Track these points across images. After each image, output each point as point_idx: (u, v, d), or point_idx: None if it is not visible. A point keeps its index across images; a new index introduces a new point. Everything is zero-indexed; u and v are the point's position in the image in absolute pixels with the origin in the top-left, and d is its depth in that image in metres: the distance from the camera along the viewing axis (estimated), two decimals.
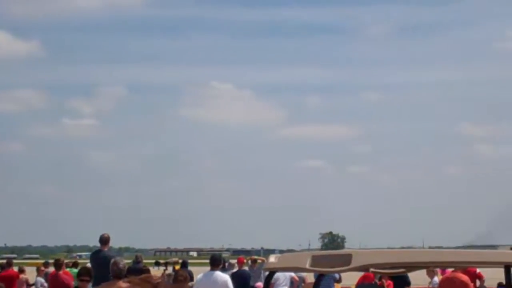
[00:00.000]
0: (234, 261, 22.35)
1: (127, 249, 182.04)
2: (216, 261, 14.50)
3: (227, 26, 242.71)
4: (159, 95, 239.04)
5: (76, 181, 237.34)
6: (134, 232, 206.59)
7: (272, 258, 8.07)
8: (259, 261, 24.67)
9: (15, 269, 22.70)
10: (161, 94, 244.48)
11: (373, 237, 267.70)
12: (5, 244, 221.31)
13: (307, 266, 7.70)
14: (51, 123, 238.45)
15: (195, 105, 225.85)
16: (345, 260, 7.46)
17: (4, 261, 23.44)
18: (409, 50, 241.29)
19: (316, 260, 7.66)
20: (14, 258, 60.91)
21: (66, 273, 18.94)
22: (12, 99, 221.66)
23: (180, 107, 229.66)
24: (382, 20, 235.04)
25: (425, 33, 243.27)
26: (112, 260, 10.97)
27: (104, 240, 16.82)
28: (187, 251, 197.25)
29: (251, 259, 24.33)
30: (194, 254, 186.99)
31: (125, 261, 11.20)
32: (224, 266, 20.73)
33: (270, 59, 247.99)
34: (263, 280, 23.18)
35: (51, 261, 29.67)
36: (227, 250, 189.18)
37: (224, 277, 14.30)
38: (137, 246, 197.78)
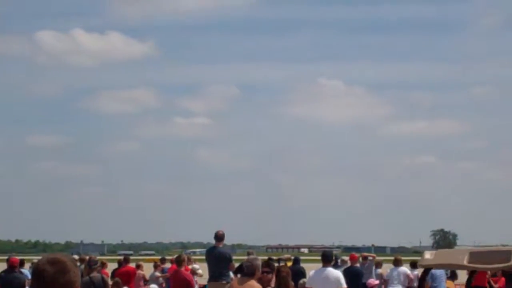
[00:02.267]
0: (346, 257, 22.45)
1: (239, 246, 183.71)
2: (328, 258, 14.53)
3: (334, 23, 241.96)
4: (268, 93, 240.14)
5: (189, 179, 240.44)
6: (246, 229, 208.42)
7: (427, 255, 7.88)
8: (370, 258, 24.73)
9: (133, 265, 23.17)
10: (270, 92, 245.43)
11: (486, 235, 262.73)
12: (121, 241, 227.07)
13: (465, 262, 7.55)
14: (164, 122, 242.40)
15: (304, 103, 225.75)
16: (505, 257, 7.31)
17: (122, 257, 24.06)
18: None
19: (474, 257, 7.48)
20: (131, 255, 62.35)
21: (187, 269, 19.44)
22: (128, 99, 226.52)
23: (289, 105, 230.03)
24: (490, 12, 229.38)
25: None
26: (247, 258, 11.10)
27: (219, 237, 17.24)
28: (298, 247, 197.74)
29: (362, 256, 24.42)
30: (305, 250, 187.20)
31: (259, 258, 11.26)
32: (336, 262, 20.89)
33: (378, 55, 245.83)
34: (374, 277, 23.27)
35: (168, 257, 30.50)
36: (338, 247, 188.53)
37: (336, 273, 14.29)
38: (250, 242, 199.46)
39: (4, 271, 18.32)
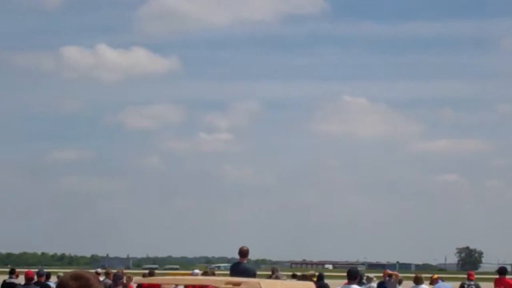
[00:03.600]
0: (371, 275, 22.41)
1: (263, 261, 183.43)
2: (353, 275, 14.56)
3: (360, 41, 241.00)
4: (292, 110, 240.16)
5: (214, 194, 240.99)
6: (270, 244, 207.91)
7: None
8: (393, 276, 24.59)
9: None
10: (294, 109, 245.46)
11: None
12: (147, 255, 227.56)
13: None
14: (188, 137, 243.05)
15: (328, 120, 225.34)
16: None
17: (147, 271, 24.17)
18: None
19: None
20: (156, 269, 62.48)
21: None
22: (152, 114, 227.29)
23: (313, 122, 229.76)
24: None
25: None
26: (274, 275, 11.16)
27: (243, 253, 17.27)
28: (322, 264, 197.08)
29: (385, 273, 24.35)
30: (330, 267, 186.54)
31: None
32: (360, 279, 20.86)
33: (403, 73, 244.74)
34: None
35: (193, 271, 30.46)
36: (363, 263, 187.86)
37: None
38: (274, 258, 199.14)
39: (22, 285, 18.57)
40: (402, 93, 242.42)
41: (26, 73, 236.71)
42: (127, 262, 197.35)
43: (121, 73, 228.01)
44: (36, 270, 21.38)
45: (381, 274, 25.09)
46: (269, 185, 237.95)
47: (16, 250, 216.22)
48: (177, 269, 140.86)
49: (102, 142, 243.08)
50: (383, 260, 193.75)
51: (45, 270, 21.74)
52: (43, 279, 20.18)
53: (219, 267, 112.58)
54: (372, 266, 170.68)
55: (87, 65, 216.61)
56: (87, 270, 4.21)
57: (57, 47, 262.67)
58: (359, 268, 16.30)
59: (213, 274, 22.43)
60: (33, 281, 18.76)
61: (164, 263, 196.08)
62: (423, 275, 23.43)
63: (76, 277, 3.97)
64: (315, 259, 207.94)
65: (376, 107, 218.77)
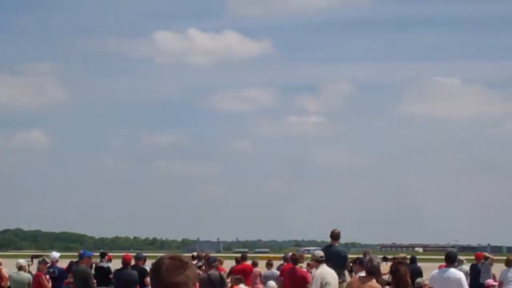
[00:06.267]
0: (462, 257, 22.24)
1: (353, 245, 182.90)
2: (451, 259, 14.55)
3: (453, 21, 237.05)
4: (384, 92, 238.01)
5: (304, 177, 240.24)
6: (360, 227, 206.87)
7: None
8: (489, 259, 24.27)
9: (249, 262, 23.49)
10: (386, 91, 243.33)
11: None
12: (236, 239, 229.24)
13: None
14: (279, 120, 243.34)
15: (420, 101, 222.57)
16: None
17: (238, 255, 24.44)
18: None
19: None
20: (246, 252, 62.99)
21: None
22: (244, 98, 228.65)
23: (404, 104, 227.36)
24: None
25: None
26: (368, 257, 11.12)
27: (335, 235, 17.42)
28: (412, 246, 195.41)
29: (482, 256, 24.18)
30: (420, 250, 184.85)
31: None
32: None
33: (497, 53, 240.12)
34: (491, 277, 22.91)
35: (281, 255, 30.75)
36: (453, 246, 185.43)
37: (458, 274, 14.20)
38: (363, 241, 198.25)
39: (118, 269, 19.07)
40: (498, 73, 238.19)
41: (120, 58, 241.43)
42: (217, 246, 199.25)
43: (213, 57, 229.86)
44: (134, 254, 21.88)
45: (472, 257, 24.82)
46: (360, 168, 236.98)
47: (109, 235, 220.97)
48: (266, 252, 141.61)
49: (196, 126, 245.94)
50: (474, 243, 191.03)
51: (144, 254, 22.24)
52: (141, 262, 20.67)
53: (308, 250, 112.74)
54: (463, 249, 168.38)
55: (179, 50, 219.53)
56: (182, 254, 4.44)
57: (149, 33, 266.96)
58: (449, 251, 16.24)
59: (302, 258, 22.60)
60: (131, 265, 19.24)
61: (254, 246, 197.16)
62: None
63: (173, 257, 4.19)
64: (405, 242, 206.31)
65: (468, 88, 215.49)
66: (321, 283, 14.79)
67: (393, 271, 11.39)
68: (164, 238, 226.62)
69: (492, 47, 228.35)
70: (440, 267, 15.95)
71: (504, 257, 23.55)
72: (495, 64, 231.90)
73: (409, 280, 11.80)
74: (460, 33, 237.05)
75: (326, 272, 15.06)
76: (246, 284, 20.64)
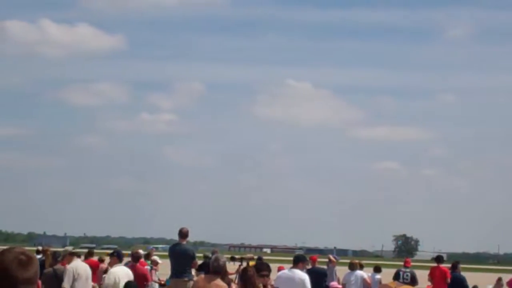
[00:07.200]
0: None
1: (202, 243, 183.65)
2: (298, 260, 14.86)
3: (303, 27, 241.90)
4: (235, 92, 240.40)
5: (154, 175, 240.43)
6: (209, 227, 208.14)
7: None
8: (333, 260, 24.80)
9: (95, 258, 23.27)
10: (237, 92, 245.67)
11: (448, 242, 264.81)
12: (84, 234, 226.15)
13: None
14: (131, 117, 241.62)
15: (271, 104, 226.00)
16: None
17: (86, 250, 24.13)
18: (486, 53, 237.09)
19: None
20: (93, 248, 62.18)
21: (142, 264, 19.73)
22: (94, 92, 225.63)
23: (256, 105, 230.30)
24: (459, 23, 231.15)
25: (503, 37, 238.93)
26: (213, 256, 11.14)
27: (183, 234, 17.37)
28: (260, 247, 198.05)
29: (328, 258, 24.71)
30: (268, 250, 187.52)
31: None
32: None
33: (346, 59, 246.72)
34: (335, 279, 23.43)
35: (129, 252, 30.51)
36: (300, 248, 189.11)
37: (302, 275, 14.42)
38: (212, 240, 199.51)
39: None
40: (345, 79, 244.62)
41: None
42: (64, 241, 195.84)
43: (65, 49, 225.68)
44: None
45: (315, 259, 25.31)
46: (210, 167, 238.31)
47: None
48: (115, 249, 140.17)
49: (43, 119, 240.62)
50: (321, 245, 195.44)
51: None
52: None
53: (157, 248, 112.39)
54: (310, 251, 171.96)
55: (30, 40, 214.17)
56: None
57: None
58: (296, 253, 16.50)
59: (149, 255, 22.48)
60: None
61: (102, 242, 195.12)
62: (360, 261, 23.81)
63: (23, 252, 3.95)
64: (254, 242, 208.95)
65: (319, 92, 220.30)
66: (74, 276, 14.95)
67: (241, 271, 11.46)
68: (9, 231, 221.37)
69: (342, 54, 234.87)
70: (279, 269, 16.19)
71: (348, 260, 24.20)
72: (344, 70, 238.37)
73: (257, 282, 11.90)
74: (310, 39, 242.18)
75: (79, 265, 15.21)
76: (92, 280, 20.36)
